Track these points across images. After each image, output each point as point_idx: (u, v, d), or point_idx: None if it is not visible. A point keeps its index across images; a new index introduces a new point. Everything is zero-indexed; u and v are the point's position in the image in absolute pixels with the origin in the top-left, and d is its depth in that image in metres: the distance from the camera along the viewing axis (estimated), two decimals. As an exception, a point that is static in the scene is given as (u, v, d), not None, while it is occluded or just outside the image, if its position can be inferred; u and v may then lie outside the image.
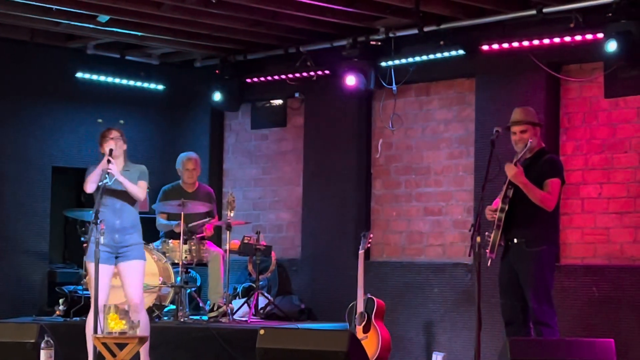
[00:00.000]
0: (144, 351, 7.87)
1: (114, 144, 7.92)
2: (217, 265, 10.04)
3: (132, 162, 8.18)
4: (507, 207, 7.44)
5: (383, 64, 10.05)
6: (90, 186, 7.92)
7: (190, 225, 9.77)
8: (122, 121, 8.18)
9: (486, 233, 7.38)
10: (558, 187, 7.50)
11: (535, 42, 9.02)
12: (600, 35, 8.56)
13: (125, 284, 7.91)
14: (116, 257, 7.90)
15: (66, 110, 10.95)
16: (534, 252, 7.43)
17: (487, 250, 7.38)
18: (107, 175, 7.82)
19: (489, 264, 7.41)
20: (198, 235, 9.94)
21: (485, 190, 7.28)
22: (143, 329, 7.78)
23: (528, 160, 7.55)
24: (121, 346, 7.29)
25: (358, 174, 10.62)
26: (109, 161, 7.81)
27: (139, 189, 7.99)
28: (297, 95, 11.17)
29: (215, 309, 9.93)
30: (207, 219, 10.06)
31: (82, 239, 9.90)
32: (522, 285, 7.48)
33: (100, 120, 8.13)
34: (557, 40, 8.90)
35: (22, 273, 10.56)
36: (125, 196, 7.95)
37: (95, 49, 10.87)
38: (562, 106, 9.37)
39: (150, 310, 9.17)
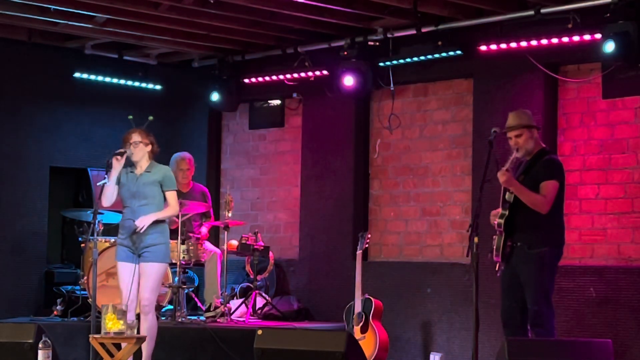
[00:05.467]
0: (146, 352, 7.86)
1: (132, 150, 7.86)
2: (214, 266, 10.06)
3: (156, 162, 8.05)
4: (507, 213, 7.43)
5: (381, 64, 10.05)
6: (104, 202, 7.85)
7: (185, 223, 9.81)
8: (151, 117, 8.10)
9: (493, 237, 7.41)
10: (553, 189, 7.45)
11: (533, 42, 9.02)
12: (598, 35, 8.56)
13: (140, 284, 7.89)
14: (139, 256, 7.88)
15: (64, 110, 10.94)
16: (536, 253, 7.42)
17: (493, 256, 7.41)
18: (105, 176, 7.82)
19: (497, 268, 7.44)
20: (194, 235, 9.96)
21: (483, 191, 7.28)
22: (149, 330, 7.79)
23: (529, 162, 7.54)
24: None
25: (356, 175, 10.62)
26: (109, 169, 7.80)
27: (171, 209, 7.93)
28: (295, 95, 11.17)
29: (212, 309, 9.93)
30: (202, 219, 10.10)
31: (80, 239, 9.92)
32: (522, 286, 7.47)
33: (130, 117, 8.07)
34: (555, 40, 8.90)
35: (20, 273, 10.54)
36: (145, 197, 7.88)
37: (93, 48, 10.86)
38: (560, 107, 9.37)
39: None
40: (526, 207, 7.40)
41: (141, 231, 7.74)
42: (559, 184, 7.50)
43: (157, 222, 7.90)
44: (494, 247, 7.42)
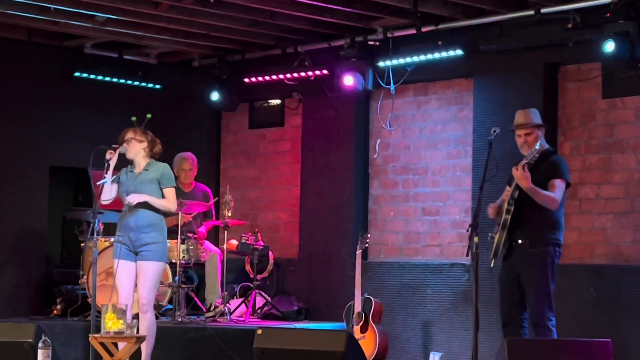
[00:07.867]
0: (145, 351, 7.85)
1: (126, 146, 7.89)
2: (214, 265, 10.06)
3: (155, 160, 8.06)
4: (512, 209, 7.40)
5: (381, 63, 10.05)
6: (102, 199, 7.86)
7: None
8: (149, 115, 8.12)
9: (489, 234, 7.36)
10: (562, 187, 7.47)
11: (533, 42, 9.02)
12: (598, 35, 8.55)
13: (138, 282, 7.91)
14: (136, 254, 7.88)
15: (64, 110, 10.93)
16: (538, 252, 7.40)
17: (492, 252, 7.37)
18: (105, 176, 7.82)
19: (492, 265, 7.40)
20: (192, 235, 9.96)
21: (483, 191, 7.27)
22: (147, 329, 7.78)
23: (534, 162, 7.52)
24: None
25: (356, 174, 10.62)
26: (108, 166, 7.80)
27: (167, 202, 7.93)
28: (294, 95, 11.17)
29: (212, 308, 9.93)
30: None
31: (80, 238, 9.91)
32: (523, 285, 7.45)
33: (134, 119, 8.09)
34: (554, 40, 8.90)
35: (20, 272, 10.54)
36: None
37: (93, 48, 10.86)
38: (560, 107, 9.37)
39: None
40: (530, 205, 7.36)
41: (131, 204, 7.75)
42: (566, 183, 7.51)
43: (155, 221, 7.91)
44: (494, 244, 7.38)
